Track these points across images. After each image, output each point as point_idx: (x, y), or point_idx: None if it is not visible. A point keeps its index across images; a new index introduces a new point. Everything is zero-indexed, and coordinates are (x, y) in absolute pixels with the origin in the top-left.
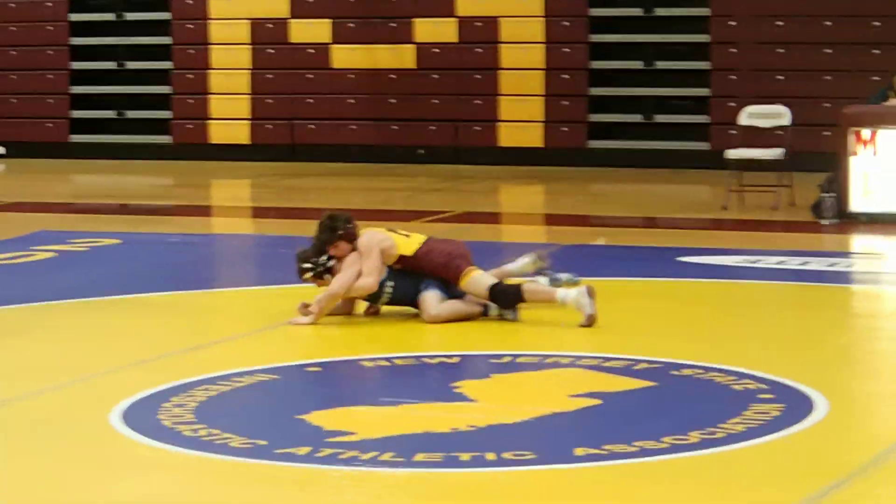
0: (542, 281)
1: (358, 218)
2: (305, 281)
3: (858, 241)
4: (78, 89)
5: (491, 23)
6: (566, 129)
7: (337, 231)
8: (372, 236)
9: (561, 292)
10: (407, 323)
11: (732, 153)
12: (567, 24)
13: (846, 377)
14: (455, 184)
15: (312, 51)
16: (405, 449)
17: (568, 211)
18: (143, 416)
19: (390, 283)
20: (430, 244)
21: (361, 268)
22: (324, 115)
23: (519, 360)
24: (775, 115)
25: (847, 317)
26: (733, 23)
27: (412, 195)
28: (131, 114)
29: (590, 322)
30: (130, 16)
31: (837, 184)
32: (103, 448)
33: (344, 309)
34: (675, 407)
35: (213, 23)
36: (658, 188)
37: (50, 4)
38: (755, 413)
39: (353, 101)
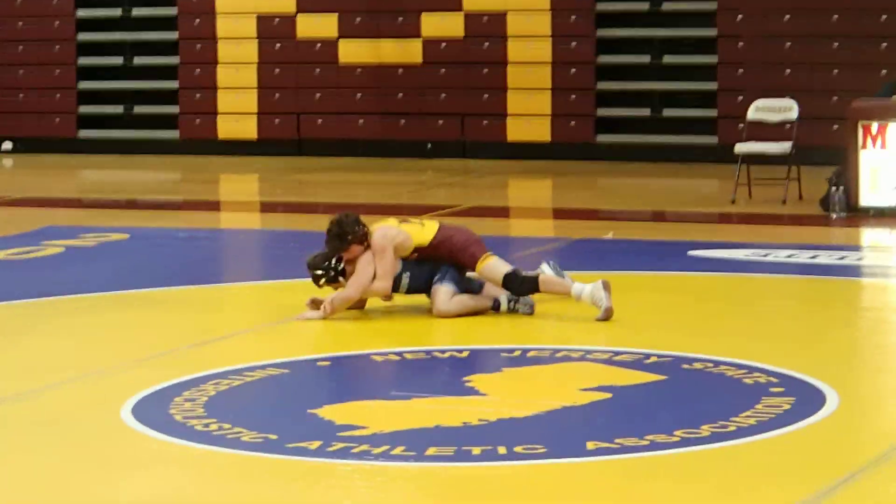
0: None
1: (366, 213)
2: (321, 287)
3: (867, 235)
4: (85, 85)
5: (498, 17)
6: (573, 123)
7: (347, 237)
8: (385, 234)
9: (577, 286)
10: (417, 317)
11: (740, 147)
12: (574, 18)
13: (857, 371)
14: (462, 178)
15: (319, 45)
16: (416, 443)
17: (576, 205)
18: (154, 411)
19: (406, 274)
20: (444, 231)
21: (376, 269)
22: (331, 109)
23: (529, 354)
24: (783, 108)
25: (857, 310)
26: (740, 17)
27: (419, 190)
28: (138, 109)
29: (607, 315)
30: (137, 11)
31: (845, 178)
32: (114, 443)
33: (356, 304)
34: (686, 401)
35: (220, 18)
36: (666, 182)
37: (56, 0)
38: (766, 407)
39: (359, 95)
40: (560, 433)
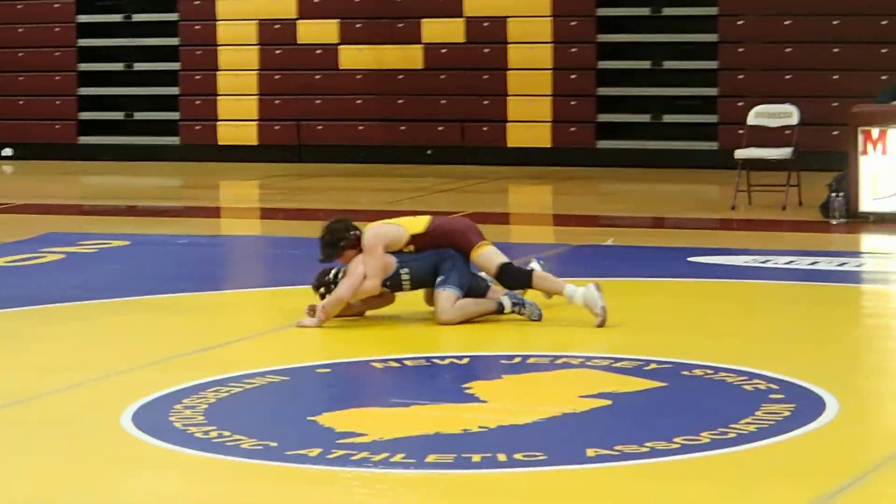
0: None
1: (367, 219)
2: None
3: (867, 241)
4: (86, 90)
5: (499, 22)
6: (574, 128)
7: (339, 243)
8: (375, 233)
9: (569, 287)
10: (417, 324)
11: (741, 153)
12: (575, 23)
13: (857, 377)
14: (463, 184)
15: (320, 51)
16: (416, 450)
17: (576, 211)
18: (153, 418)
19: (405, 271)
20: (439, 219)
21: (365, 269)
22: (331, 115)
23: (529, 360)
24: (783, 114)
25: (857, 316)
26: (741, 22)
27: (420, 195)
28: (139, 115)
29: (603, 315)
30: (138, 17)
31: (846, 183)
32: (114, 449)
33: (357, 311)
34: (686, 407)
35: (221, 24)
36: (666, 188)
37: (57, 5)
38: (766, 413)
39: (360, 101)
40: (560, 440)
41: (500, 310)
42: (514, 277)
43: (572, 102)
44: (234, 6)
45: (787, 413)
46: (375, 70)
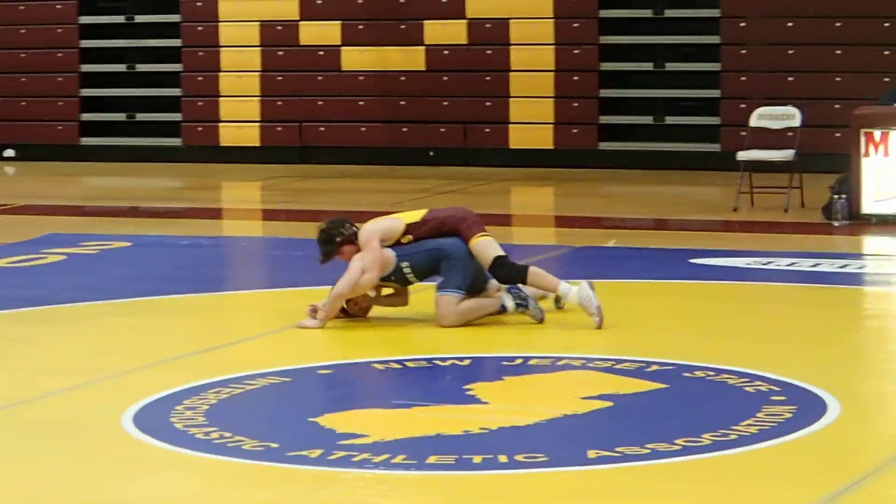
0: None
1: (369, 220)
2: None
3: (870, 243)
4: (88, 92)
5: (501, 24)
6: (576, 130)
7: (335, 239)
8: (370, 228)
9: (564, 285)
10: (419, 325)
11: (743, 154)
12: (577, 25)
13: (858, 378)
14: (465, 185)
15: (322, 52)
16: (417, 451)
17: (579, 212)
18: (154, 419)
19: (406, 264)
20: (436, 210)
21: (363, 263)
22: (334, 116)
23: (530, 362)
24: (786, 116)
25: (859, 318)
26: (743, 24)
27: (422, 197)
28: (141, 116)
29: (600, 315)
30: (140, 18)
31: (848, 185)
32: (115, 450)
33: (360, 311)
34: (687, 409)
35: (223, 25)
36: (669, 190)
37: (59, 7)
38: (768, 415)
39: (362, 102)
40: (561, 441)
41: (503, 310)
42: (509, 272)
43: (575, 104)
44: (236, 7)
45: (788, 415)
46: (378, 71)
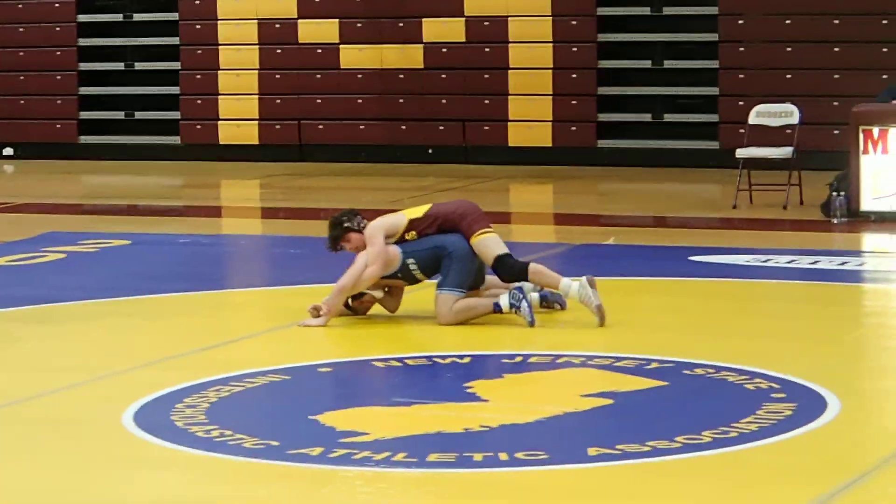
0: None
1: (368, 218)
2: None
3: (868, 240)
4: (86, 90)
5: (499, 22)
6: (575, 128)
7: (343, 224)
8: (373, 224)
9: (565, 281)
10: (419, 323)
11: (741, 152)
12: (575, 22)
13: (858, 376)
14: (464, 183)
15: (321, 50)
16: (418, 449)
17: (577, 210)
18: (155, 417)
19: (412, 261)
20: (439, 204)
21: (367, 258)
22: (332, 114)
23: (531, 360)
24: (784, 113)
25: (858, 315)
26: (742, 21)
27: (421, 195)
28: (140, 114)
29: (600, 313)
30: (138, 16)
31: (847, 182)
32: (116, 448)
33: (361, 308)
34: (687, 406)
35: (222, 23)
36: (667, 187)
37: (58, 5)
38: (768, 412)
39: (361, 100)
40: (561, 439)
41: (497, 310)
42: (510, 269)
43: (573, 102)
44: (234, 6)
45: (788, 412)
46: (376, 69)
